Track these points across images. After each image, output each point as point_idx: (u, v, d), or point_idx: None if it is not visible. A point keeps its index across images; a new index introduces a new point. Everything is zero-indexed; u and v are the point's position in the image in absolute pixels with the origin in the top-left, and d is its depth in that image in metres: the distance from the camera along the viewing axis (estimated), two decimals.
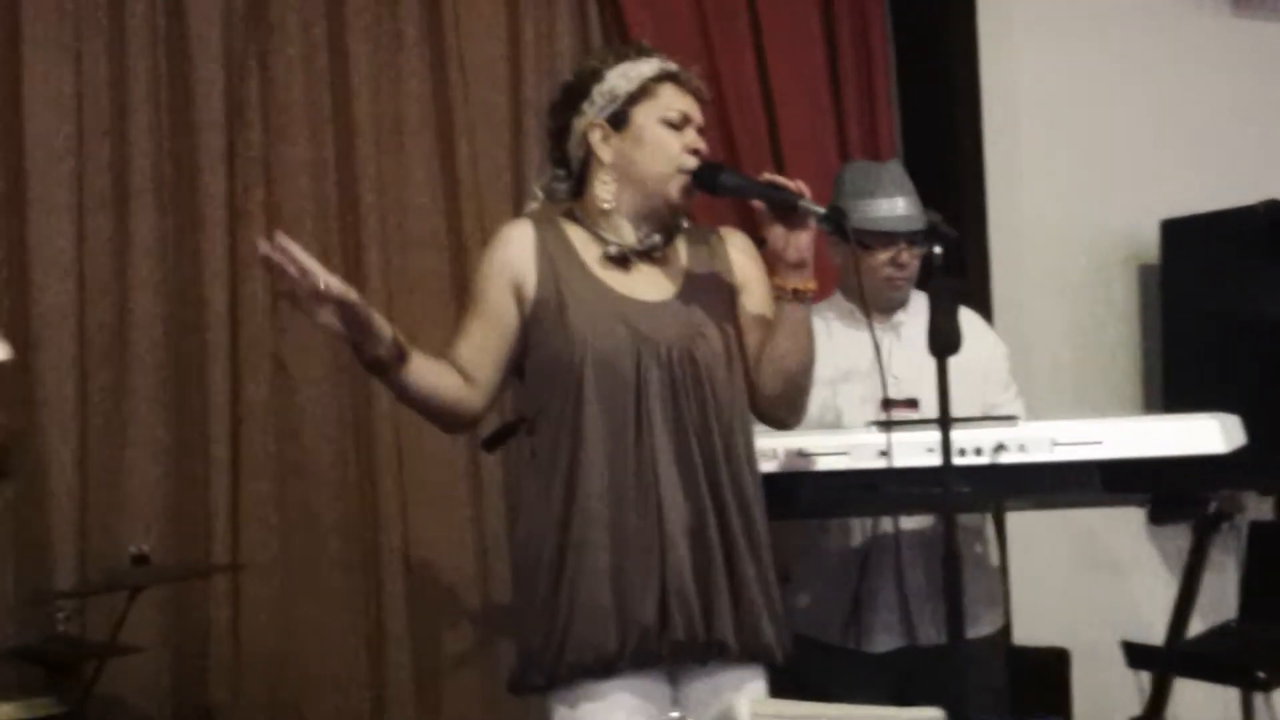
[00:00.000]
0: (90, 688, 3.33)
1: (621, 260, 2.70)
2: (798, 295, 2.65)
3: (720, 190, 2.71)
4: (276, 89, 3.99)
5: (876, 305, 3.30)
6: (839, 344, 3.19)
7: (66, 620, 3.47)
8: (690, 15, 4.24)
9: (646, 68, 2.72)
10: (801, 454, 2.91)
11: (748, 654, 2.63)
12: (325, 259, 3.91)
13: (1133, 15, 4.74)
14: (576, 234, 2.72)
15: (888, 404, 3.00)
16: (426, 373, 2.64)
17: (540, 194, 2.83)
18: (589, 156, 2.74)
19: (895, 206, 3.29)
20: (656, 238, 2.73)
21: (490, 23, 4.18)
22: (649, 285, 2.71)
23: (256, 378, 3.92)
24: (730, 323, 2.72)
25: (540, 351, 2.67)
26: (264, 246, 2.48)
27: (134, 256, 3.84)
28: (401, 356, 2.59)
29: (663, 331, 2.64)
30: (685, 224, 2.81)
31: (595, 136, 2.72)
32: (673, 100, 2.71)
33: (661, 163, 2.69)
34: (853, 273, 3.23)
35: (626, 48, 2.84)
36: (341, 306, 2.51)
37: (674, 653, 2.59)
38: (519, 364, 2.71)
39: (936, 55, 4.49)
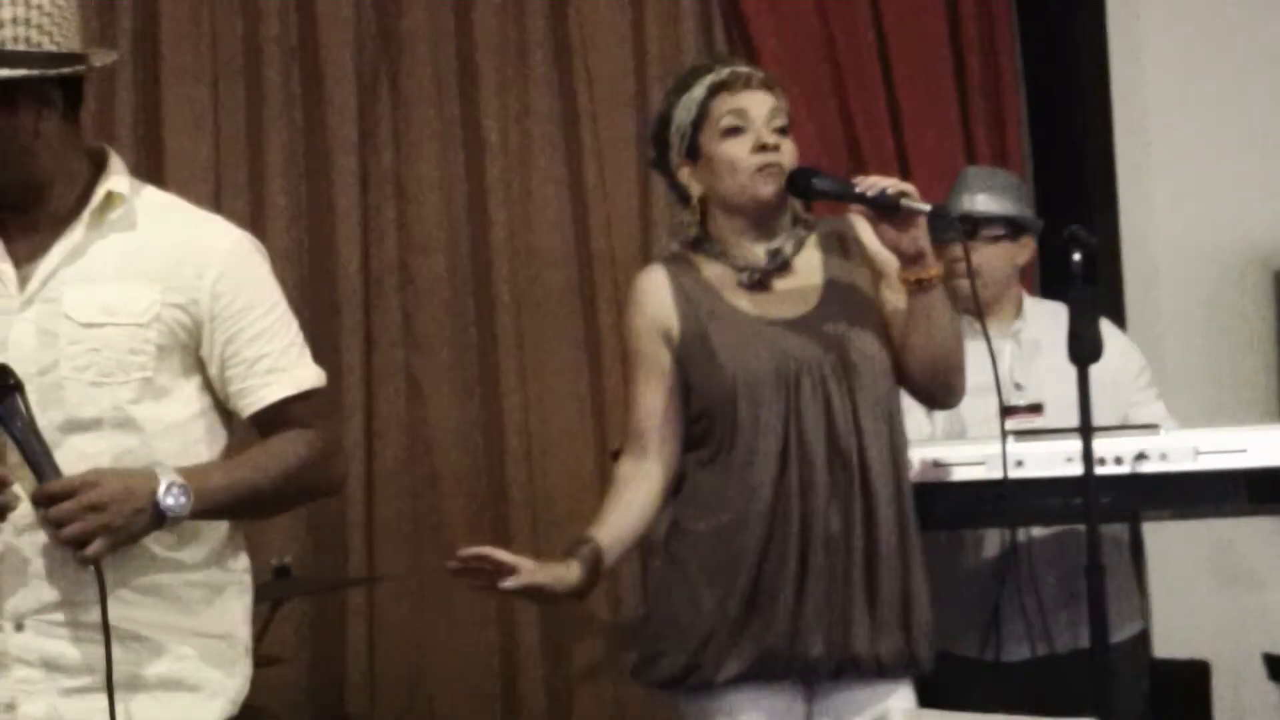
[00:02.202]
0: None
1: (757, 284, 2.70)
2: (922, 285, 2.63)
3: (815, 195, 2.69)
4: (407, 108, 4.06)
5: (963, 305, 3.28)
6: None
7: None
8: (816, 28, 4.22)
9: (698, 90, 2.69)
10: (937, 464, 2.89)
11: (884, 669, 2.61)
12: (455, 272, 4.02)
13: (1266, 13, 4.65)
14: (709, 266, 2.71)
15: (1008, 411, 2.96)
16: (625, 537, 2.71)
17: (669, 238, 2.85)
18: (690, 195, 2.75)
19: (975, 202, 3.29)
20: (786, 250, 2.70)
21: (616, 38, 4.20)
22: (789, 301, 2.69)
23: (390, 394, 3.99)
24: (877, 318, 2.70)
25: (694, 390, 2.68)
26: (452, 565, 2.59)
27: None
28: (596, 566, 2.65)
29: (810, 347, 2.63)
30: (809, 219, 2.77)
31: (683, 176, 2.74)
32: (724, 108, 2.67)
33: (736, 175, 2.66)
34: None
35: (686, 75, 2.81)
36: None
37: (806, 667, 2.58)
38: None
39: (1065, 62, 4.43)
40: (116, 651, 2.14)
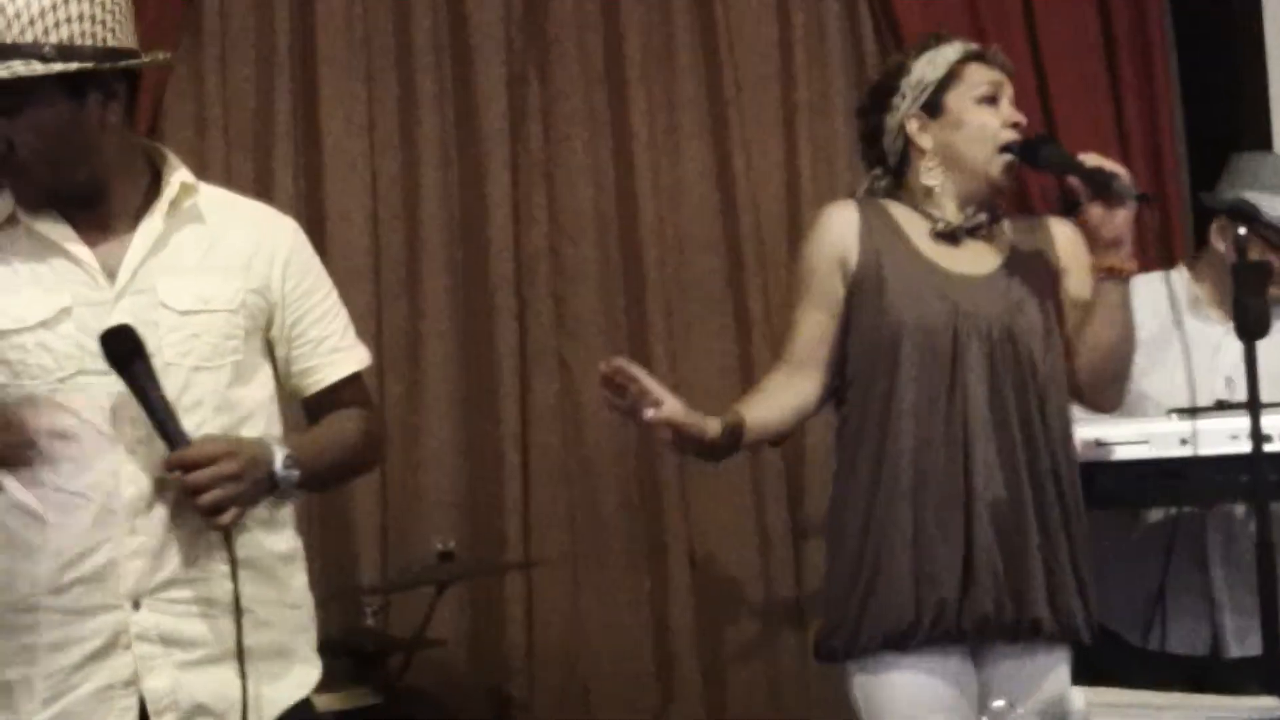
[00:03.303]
0: (399, 679, 3.47)
1: (949, 237, 2.72)
2: (1113, 273, 2.65)
3: (1041, 165, 2.72)
4: (555, 97, 4.10)
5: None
6: (1167, 322, 3.14)
7: (374, 615, 3.62)
8: (961, 6, 4.20)
9: (950, 52, 2.76)
10: (1100, 443, 2.88)
11: (1060, 633, 2.61)
12: (604, 257, 4.07)
13: None
14: (902, 213, 2.76)
15: (1221, 406, 2.93)
16: (765, 426, 2.72)
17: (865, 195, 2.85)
18: (908, 149, 2.77)
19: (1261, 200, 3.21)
20: (982, 216, 2.74)
21: (760, 23, 4.21)
22: (973, 261, 2.72)
23: (543, 379, 4.04)
24: (1051, 301, 2.72)
25: (858, 325, 2.70)
26: (604, 367, 2.58)
27: (425, 263, 4.01)
28: (736, 434, 2.65)
29: (983, 306, 2.65)
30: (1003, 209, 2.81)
31: (913, 127, 2.75)
32: (981, 77, 2.74)
33: (982, 142, 2.71)
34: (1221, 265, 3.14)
35: (926, 38, 2.86)
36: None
37: (978, 627, 2.58)
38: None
39: (1218, 28, 4.34)
40: (223, 624, 2.22)
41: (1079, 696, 1.94)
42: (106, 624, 2.18)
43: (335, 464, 2.37)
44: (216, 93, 3.94)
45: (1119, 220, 2.61)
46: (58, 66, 2.14)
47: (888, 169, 2.81)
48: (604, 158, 4.11)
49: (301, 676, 2.34)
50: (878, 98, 2.80)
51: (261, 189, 3.88)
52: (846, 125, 4.18)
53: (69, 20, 2.15)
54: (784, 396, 2.73)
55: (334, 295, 2.43)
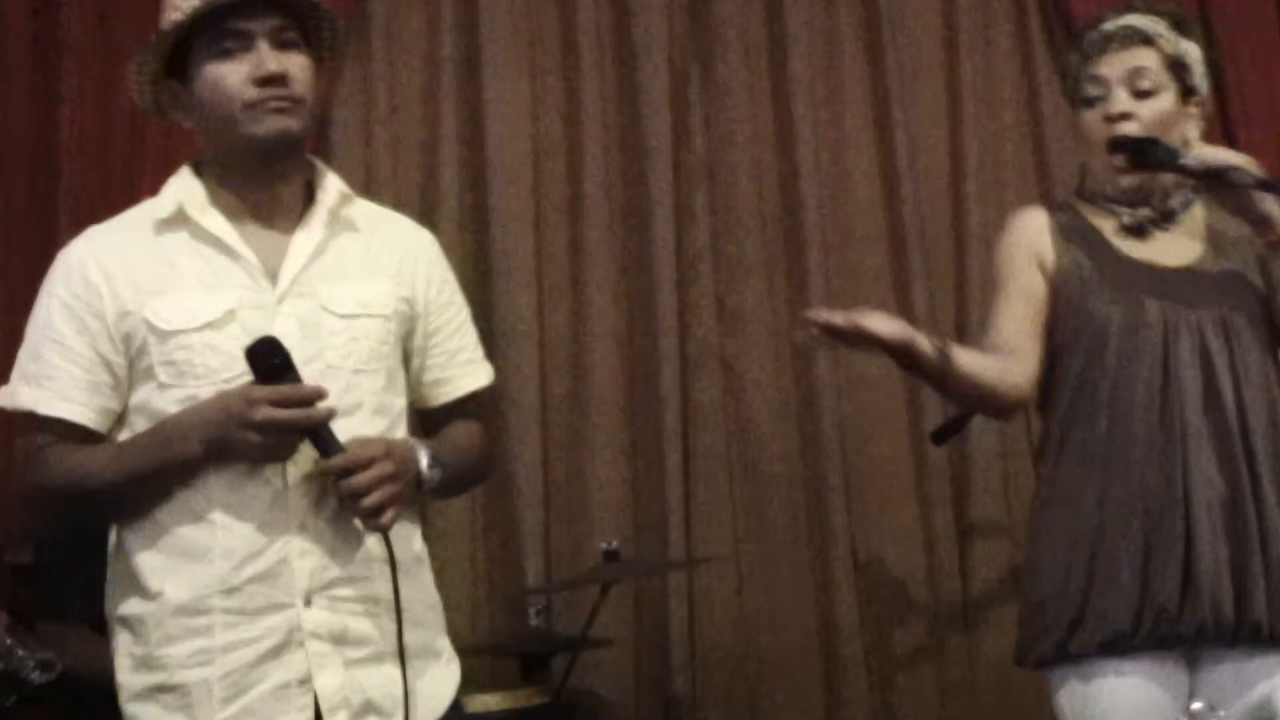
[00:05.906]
0: (565, 679, 3.48)
1: (1138, 230, 2.63)
2: (1273, 246, 2.53)
3: (1149, 165, 2.59)
4: (718, 93, 4.09)
5: None
6: None
7: (538, 615, 3.63)
8: None
9: (1074, 54, 2.65)
10: None
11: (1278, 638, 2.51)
12: (767, 255, 4.04)
13: None
14: (1093, 212, 2.66)
15: None
16: (969, 367, 2.55)
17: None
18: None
19: None
20: (1171, 202, 2.64)
21: (923, 13, 4.16)
22: (1173, 251, 2.62)
23: (705, 379, 4.03)
24: (1259, 289, 2.61)
25: (1063, 329, 2.61)
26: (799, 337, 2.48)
27: (588, 264, 4.01)
28: (944, 356, 2.54)
29: (1192, 298, 2.55)
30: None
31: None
32: (1085, 75, 2.61)
33: (1090, 148, 2.62)
34: None
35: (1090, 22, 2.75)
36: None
37: (1198, 632, 2.50)
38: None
39: None
40: (383, 622, 2.22)
41: None
42: (280, 622, 2.19)
43: (467, 470, 2.38)
44: (384, 99, 3.99)
45: (1253, 202, 2.51)
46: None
47: None
48: (767, 154, 4.09)
49: (451, 674, 2.33)
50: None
51: (427, 192, 3.93)
52: (1014, 115, 4.12)
53: None
54: (990, 361, 2.59)
55: (467, 309, 2.44)
